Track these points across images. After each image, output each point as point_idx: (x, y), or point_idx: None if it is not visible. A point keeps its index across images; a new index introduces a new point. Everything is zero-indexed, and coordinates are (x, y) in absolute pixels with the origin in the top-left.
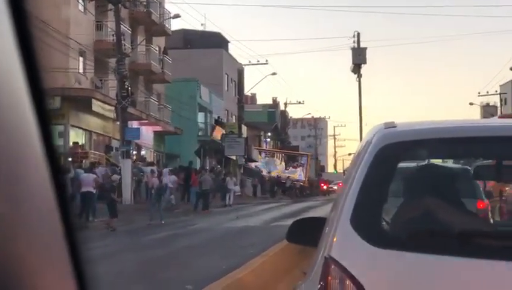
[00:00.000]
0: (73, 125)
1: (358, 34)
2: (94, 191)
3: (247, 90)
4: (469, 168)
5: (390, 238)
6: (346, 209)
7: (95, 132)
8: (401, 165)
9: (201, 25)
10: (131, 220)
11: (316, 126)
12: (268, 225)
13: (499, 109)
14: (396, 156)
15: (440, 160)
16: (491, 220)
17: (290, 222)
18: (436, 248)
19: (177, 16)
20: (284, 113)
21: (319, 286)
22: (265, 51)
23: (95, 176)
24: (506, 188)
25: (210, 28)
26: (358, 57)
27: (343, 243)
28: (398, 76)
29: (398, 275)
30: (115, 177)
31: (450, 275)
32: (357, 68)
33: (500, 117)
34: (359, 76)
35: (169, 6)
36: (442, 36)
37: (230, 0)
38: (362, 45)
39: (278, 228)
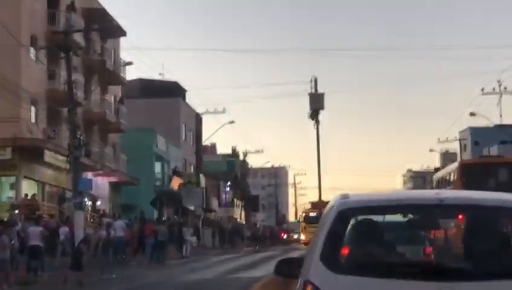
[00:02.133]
0: (25, 177)
1: (315, 79)
2: (41, 244)
3: (205, 139)
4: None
5: (344, 268)
6: (317, 250)
7: (48, 183)
8: (352, 221)
9: (160, 74)
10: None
11: (276, 175)
12: (224, 278)
13: (458, 155)
14: (347, 217)
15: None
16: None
17: (245, 274)
18: (371, 273)
19: (129, 63)
20: (243, 163)
21: None
22: (223, 99)
23: (41, 228)
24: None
25: (168, 77)
26: (316, 103)
27: (315, 271)
28: (358, 121)
29: (346, 288)
30: (86, 231)
31: (376, 288)
32: (314, 114)
33: (460, 162)
34: (317, 122)
35: (126, 56)
36: (402, 79)
37: (186, 44)
38: (320, 90)
39: (232, 281)
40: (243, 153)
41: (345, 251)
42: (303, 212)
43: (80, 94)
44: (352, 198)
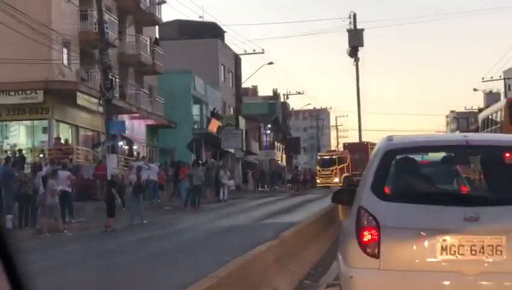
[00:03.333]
0: (58, 120)
1: (355, 15)
2: (70, 189)
3: (245, 80)
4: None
5: (388, 196)
6: (368, 182)
7: (82, 127)
8: (396, 159)
9: (200, 17)
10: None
11: (317, 117)
12: (257, 223)
13: (502, 95)
14: (391, 156)
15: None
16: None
17: (281, 219)
18: (410, 200)
19: (162, 2)
20: (284, 105)
21: (356, 220)
22: (260, 36)
23: (69, 173)
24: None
25: (208, 19)
26: (355, 40)
27: (367, 199)
28: (398, 59)
29: (391, 212)
30: (113, 171)
31: (416, 213)
32: (354, 51)
33: (508, 100)
34: (356, 60)
35: None
36: (444, 14)
37: None
38: (359, 26)
39: (266, 227)
40: (284, 95)
41: (390, 183)
42: (319, 156)
43: (113, 35)
44: (396, 140)
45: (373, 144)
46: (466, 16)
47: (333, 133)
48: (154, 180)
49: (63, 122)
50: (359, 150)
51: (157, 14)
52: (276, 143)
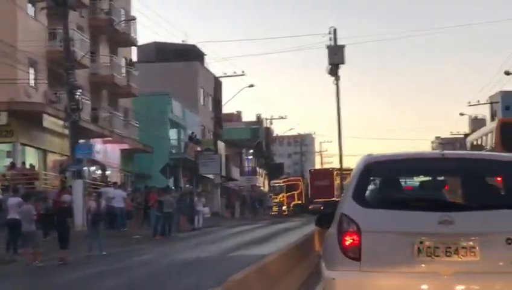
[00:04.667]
0: (23, 144)
1: (335, 30)
2: (21, 218)
3: (225, 103)
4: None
5: (368, 203)
6: (350, 191)
7: (50, 151)
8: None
9: (183, 41)
10: (69, 251)
11: (302, 143)
12: (225, 256)
13: (488, 121)
14: (370, 170)
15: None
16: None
17: (252, 251)
18: (389, 206)
19: (132, 19)
20: (268, 130)
21: (337, 225)
22: (241, 58)
23: (20, 199)
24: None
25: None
26: (335, 57)
27: (348, 206)
28: (382, 76)
29: (371, 218)
30: (67, 197)
31: (394, 217)
32: (334, 69)
33: (500, 120)
34: (337, 78)
35: (143, 20)
36: (430, 30)
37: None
38: (340, 43)
39: (232, 261)
40: (267, 120)
41: (370, 192)
42: (272, 183)
43: (81, 53)
44: (375, 155)
45: (341, 170)
46: (456, 31)
47: (318, 159)
48: (119, 207)
49: (29, 145)
50: (325, 176)
51: (132, 34)
52: (258, 169)
